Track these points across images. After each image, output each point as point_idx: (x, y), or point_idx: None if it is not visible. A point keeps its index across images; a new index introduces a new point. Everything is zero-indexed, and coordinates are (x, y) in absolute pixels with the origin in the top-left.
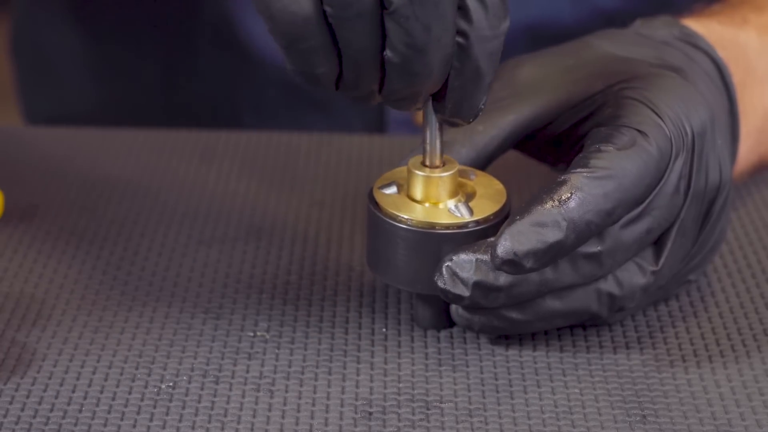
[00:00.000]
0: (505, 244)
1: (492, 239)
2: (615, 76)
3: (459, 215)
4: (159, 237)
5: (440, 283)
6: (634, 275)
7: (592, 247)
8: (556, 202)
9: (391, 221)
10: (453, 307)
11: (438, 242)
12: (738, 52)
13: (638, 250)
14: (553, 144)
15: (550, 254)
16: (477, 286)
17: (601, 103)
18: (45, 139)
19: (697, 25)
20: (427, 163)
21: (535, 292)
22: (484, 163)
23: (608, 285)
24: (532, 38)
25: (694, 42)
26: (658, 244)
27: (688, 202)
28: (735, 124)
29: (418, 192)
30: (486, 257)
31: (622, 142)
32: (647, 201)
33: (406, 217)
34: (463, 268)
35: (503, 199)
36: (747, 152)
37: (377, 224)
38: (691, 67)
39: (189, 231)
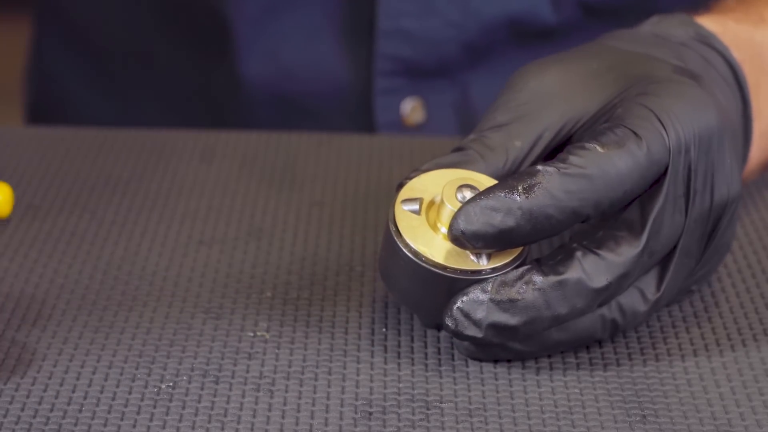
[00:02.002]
0: (458, 222)
1: (502, 278)
2: (636, 78)
3: (475, 260)
4: (159, 237)
5: (451, 325)
6: (636, 302)
7: (600, 280)
8: (519, 190)
9: (405, 251)
10: (457, 341)
11: (448, 284)
12: (753, 52)
13: (641, 273)
14: None
15: (502, 240)
16: (491, 327)
17: (618, 104)
18: (45, 139)
19: (713, 23)
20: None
21: (548, 327)
22: None
23: (612, 312)
24: (515, 32)
25: (710, 43)
26: (660, 266)
27: (690, 222)
28: (748, 126)
29: (441, 221)
30: (499, 297)
31: (609, 141)
32: (648, 224)
33: (420, 250)
34: (476, 310)
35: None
36: (758, 151)
37: (392, 244)
38: (708, 72)
39: (189, 231)
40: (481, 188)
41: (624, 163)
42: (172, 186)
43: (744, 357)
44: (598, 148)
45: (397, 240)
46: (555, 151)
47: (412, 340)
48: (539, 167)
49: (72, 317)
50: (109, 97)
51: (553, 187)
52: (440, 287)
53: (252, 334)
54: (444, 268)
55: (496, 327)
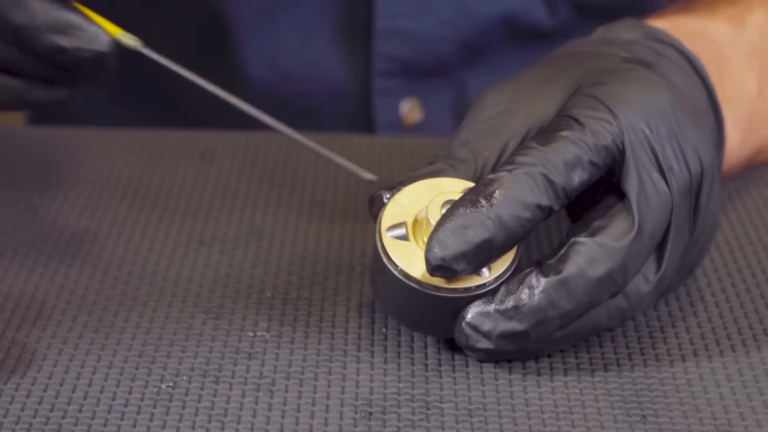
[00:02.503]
0: (434, 251)
1: (505, 286)
2: (586, 76)
3: (476, 274)
4: (159, 237)
5: (462, 340)
6: (640, 284)
7: (601, 269)
8: (482, 202)
9: (406, 281)
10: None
11: (455, 304)
12: (707, 43)
13: (647, 256)
14: None
15: (482, 254)
16: (501, 336)
17: (569, 99)
18: (45, 139)
19: (661, 22)
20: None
21: (558, 326)
22: None
23: (616, 300)
24: (511, 32)
25: (659, 38)
26: (658, 247)
27: (676, 197)
28: (717, 113)
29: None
30: (503, 307)
31: (550, 134)
32: (633, 206)
33: (422, 279)
34: (484, 322)
35: (513, 250)
36: (740, 141)
37: (388, 275)
38: (660, 61)
39: (189, 231)
40: None
41: (569, 152)
42: (172, 186)
43: (744, 357)
44: (541, 143)
45: (394, 272)
46: None
47: (412, 340)
48: (491, 175)
49: (72, 317)
50: (109, 97)
51: (512, 188)
52: (448, 308)
53: (252, 334)
54: (450, 290)
55: (506, 336)
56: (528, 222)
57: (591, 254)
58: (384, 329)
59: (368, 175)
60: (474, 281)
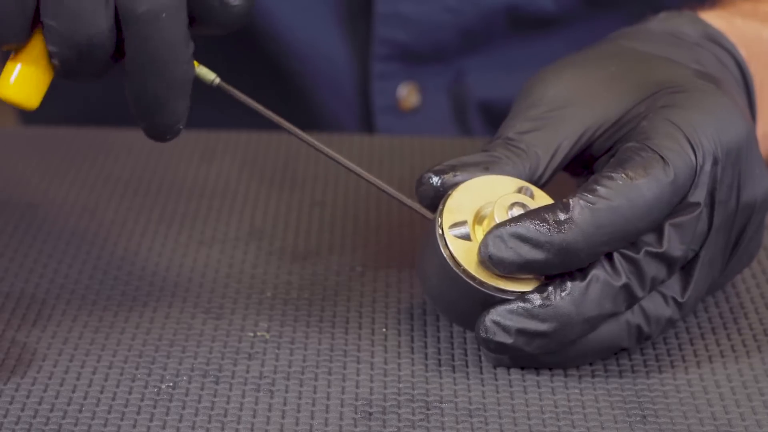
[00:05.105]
0: (488, 245)
1: (535, 289)
2: (658, 85)
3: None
4: (159, 237)
5: (482, 333)
6: (660, 308)
7: (623, 279)
8: (550, 222)
9: (465, 278)
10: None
11: (500, 301)
12: (760, 50)
13: (664, 276)
14: (596, 159)
15: (528, 269)
16: (520, 332)
17: (644, 115)
18: (45, 139)
19: (720, 20)
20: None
21: (579, 333)
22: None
23: (636, 318)
24: (513, 20)
25: (720, 42)
26: (684, 275)
27: (713, 231)
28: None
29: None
30: (528, 305)
31: (635, 167)
32: (665, 230)
33: (480, 277)
34: (506, 316)
35: None
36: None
37: (444, 269)
38: (724, 74)
39: (189, 231)
40: (531, 205)
41: (651, 193)
42: (172, 186)
43: (744, 357)
44: (626, 178)
45: (456, 270)
46: (577, 157)
47: (412, 340)
48: (570, 201)
49: (72, 317)
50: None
51: (584, 223)
52: (491, 304)
53: (252, 334)
54: (512, 293)
55: (525, 333)
56: (587, 257)
57: (616, 264)
58: (384, 329)
59: (430, 215)
60: (532, 285)
